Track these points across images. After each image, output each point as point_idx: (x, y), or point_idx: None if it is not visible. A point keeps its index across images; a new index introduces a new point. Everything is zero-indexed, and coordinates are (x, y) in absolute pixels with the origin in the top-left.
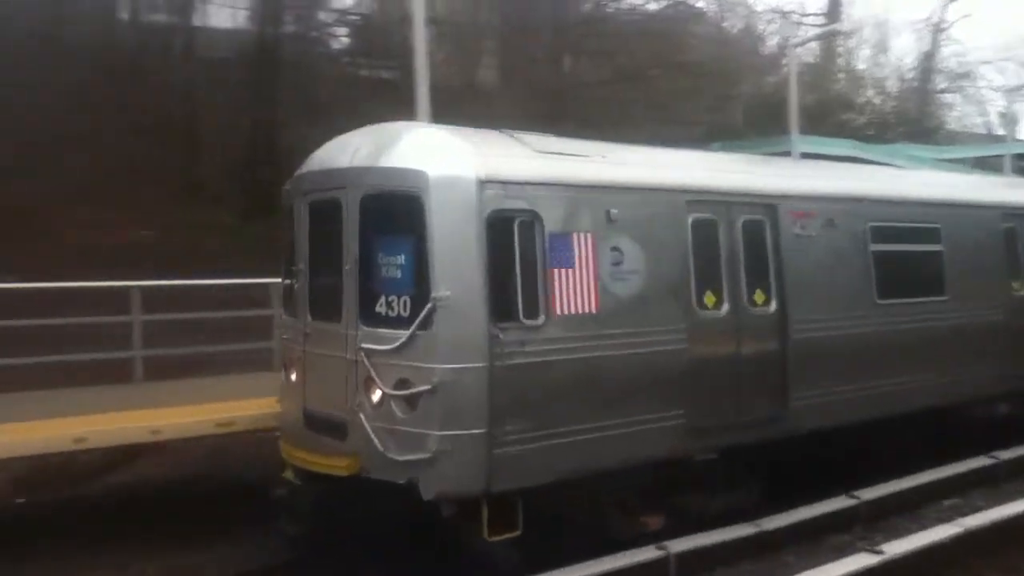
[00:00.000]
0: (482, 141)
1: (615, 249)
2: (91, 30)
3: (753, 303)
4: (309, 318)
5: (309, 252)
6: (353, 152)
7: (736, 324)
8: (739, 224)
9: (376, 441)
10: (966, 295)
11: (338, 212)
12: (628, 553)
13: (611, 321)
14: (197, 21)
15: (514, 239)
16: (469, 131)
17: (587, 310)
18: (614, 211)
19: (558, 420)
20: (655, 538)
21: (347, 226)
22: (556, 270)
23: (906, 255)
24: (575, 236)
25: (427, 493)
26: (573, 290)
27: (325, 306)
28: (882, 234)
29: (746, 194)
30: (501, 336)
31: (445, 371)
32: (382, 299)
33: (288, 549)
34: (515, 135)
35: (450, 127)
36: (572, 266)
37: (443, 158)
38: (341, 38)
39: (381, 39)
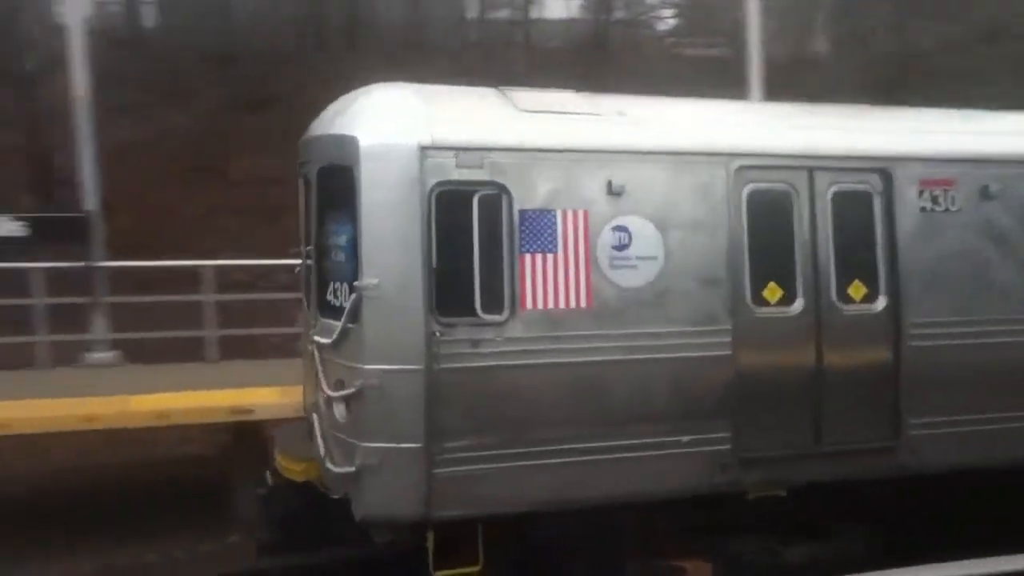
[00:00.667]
0: (446, 100)
1: (620, 229)
2: (445, 31)
3: (846, 298)
4: (307, 306)
5: (306, 233)
6: (323, 118)
7: (816, 325)
8: (828, 195)
9: (321, 447)
10: None
11: (310, 187)
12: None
13: (611, 319)
14: (535, 14)
15: (472, 217)
16: (438, 89)
17: (573, 304)
18: (617, 182)
19: (529, 438)
20: None
21: (310, 203)
22: (529, 255)
23: None
24: (561, 214)
25: (357, 513)
26: (553, 280)
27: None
28: None
29: (841, 156)
30: (443, 334)
31: (372, 372)
32: (331, 286)
33: (253, 554)
34: (507, 92)
35: (419, 86)
36: (553, 251)
37: (382, 122)
38: (668, 19)
39: (707, 17)
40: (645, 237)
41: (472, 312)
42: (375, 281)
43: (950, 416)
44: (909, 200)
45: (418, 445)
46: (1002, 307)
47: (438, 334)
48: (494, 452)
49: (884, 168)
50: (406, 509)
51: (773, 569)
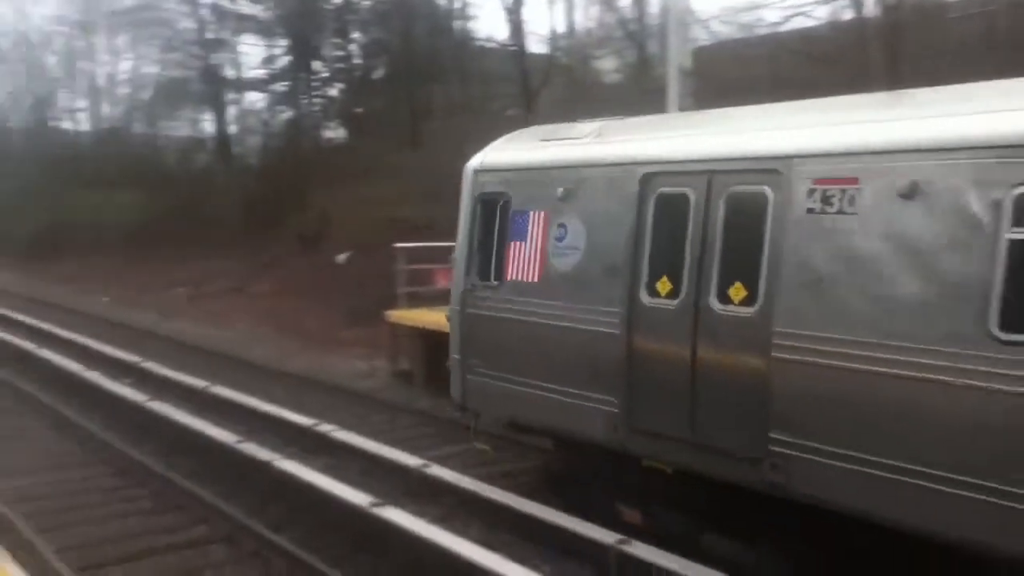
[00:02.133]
0: (518, 136)
1: (561, 226)
2: None
3: (725, 299)
4: None
5: None
6: None
7: (692, 321)
8: (722, 198)
9: None
10: None
11: None
12: None
13: (549, 292)
14: None
15: (495, 216)
16: (537, 128)
17: (531, 279)
18: (561, 190)
19: (509, 368)
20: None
21: None
22: (513, 243)
23: None
24: (532, 214)
25: None
26: (523, 260)
27: None
28: None
29: (735, 159)
30: (471, 291)
31: (449, 310)
32: None
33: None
34: (560, 126)
35: (535, 127)
36: (524, 240)
37: (477, 154)
38: None
39: None
40: (575, 233)
41: (488, 278)
42: (455, 256)
43: (822, 444)
44: (797, 201)
45: (459, 357)
46: (903, 329)
47: (471, 290)
48: (491, 372)
49: (775, 168)
50: (457, 398)
51: (687, 544)
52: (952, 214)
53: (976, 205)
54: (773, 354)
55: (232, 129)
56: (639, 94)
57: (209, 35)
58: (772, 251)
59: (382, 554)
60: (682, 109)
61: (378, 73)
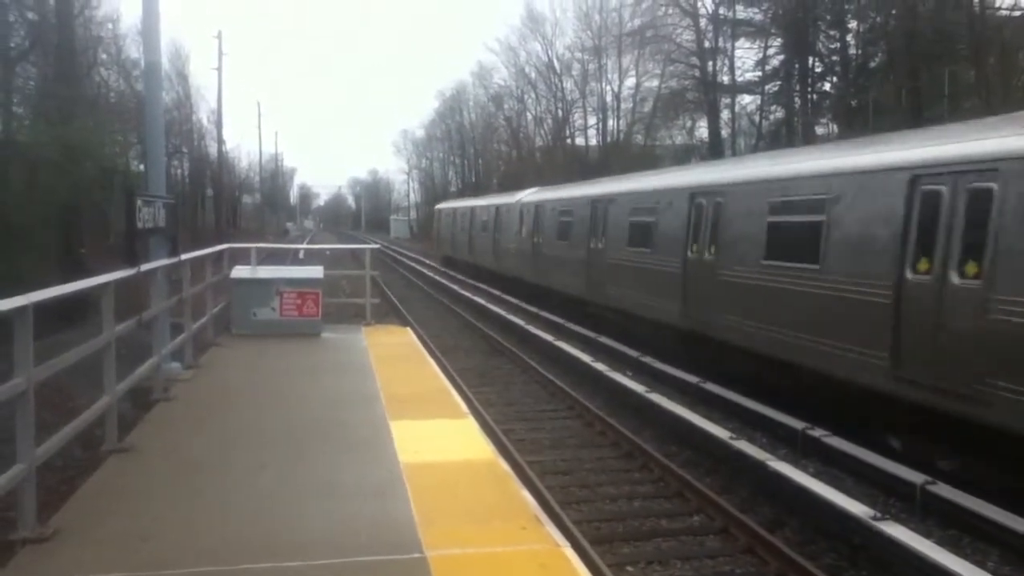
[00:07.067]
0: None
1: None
2: None
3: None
4: None
5: None
6: None
7: None
8: None
9: None
10: None
11: None
12: None
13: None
14: None
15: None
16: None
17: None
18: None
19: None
20: None
21: None
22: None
23: None
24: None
25: None
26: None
27: None
28: None
29: None
30: (692, 253)
31: None
32: None
33: None
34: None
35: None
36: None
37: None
38: None
39: None
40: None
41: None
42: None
43: None
44: None
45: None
46: None
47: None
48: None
49: None
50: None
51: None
52: None
53: None
54: None
55: (723, 133)
56: None
57: (706, 44)
58: None
59: (882, 568)
60: None
61: (875, 61)
